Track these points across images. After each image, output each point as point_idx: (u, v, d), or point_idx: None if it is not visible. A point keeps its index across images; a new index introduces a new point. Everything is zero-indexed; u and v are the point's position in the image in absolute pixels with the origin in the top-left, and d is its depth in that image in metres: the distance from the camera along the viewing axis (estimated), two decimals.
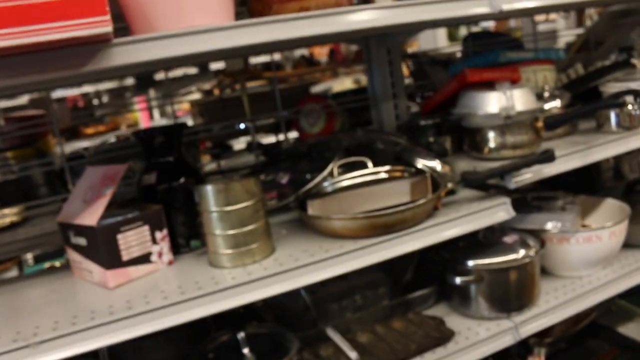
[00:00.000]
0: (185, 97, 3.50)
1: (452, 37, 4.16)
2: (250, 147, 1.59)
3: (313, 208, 1.23)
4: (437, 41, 3.92)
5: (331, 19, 1.08)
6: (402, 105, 1.71)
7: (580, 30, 3.99)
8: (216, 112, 1.74)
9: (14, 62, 0.87)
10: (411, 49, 3.67)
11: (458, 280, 1.35)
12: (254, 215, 1.13)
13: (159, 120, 3.67)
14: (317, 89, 2.34)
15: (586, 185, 1.83)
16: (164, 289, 1.09)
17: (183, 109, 3.35)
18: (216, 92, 3.31)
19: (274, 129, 1.69)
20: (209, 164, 1.82)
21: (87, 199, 1.20)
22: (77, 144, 2.90)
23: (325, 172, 1.31)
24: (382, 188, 1.27)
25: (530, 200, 1.60)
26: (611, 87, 1.65)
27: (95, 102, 3.79)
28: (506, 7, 1.24)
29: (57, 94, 3.40)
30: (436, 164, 1.33)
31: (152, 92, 3.50)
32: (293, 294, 1.36)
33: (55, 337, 0.98)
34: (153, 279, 1.16)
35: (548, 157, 1.32)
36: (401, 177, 1.29)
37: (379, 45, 1.64)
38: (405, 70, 2.04)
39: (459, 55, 2.10)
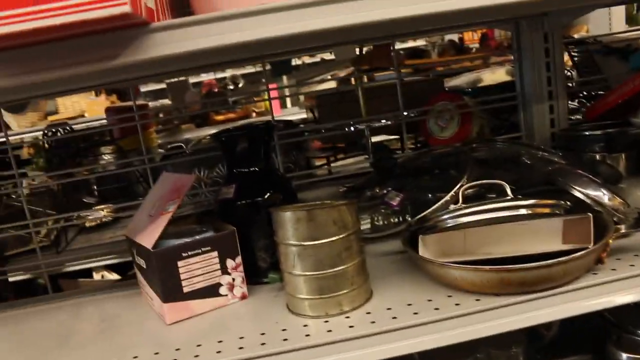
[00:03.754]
0: (320, 86, 3.29)
1: (632, 20, 3.50)
2: (365, 150, 1.32)
3: (425, 245, 0.94)
4: (613, 24, 3.31)
5: None
6: (561, 108, 1.32)
7: None
8: (330, 109, 1.48)
9: (25, 54, 0.67)
10: (578, 34, 3.13)
11: (625, 357, 0.98)
12: (344, 253, 0.86)
13: (290, 110, 3.50)
14: (459, 81, 1.99)
15: None
16: (228, 335, 0.86)
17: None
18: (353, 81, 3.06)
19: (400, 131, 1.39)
20: (320, 168, 1.58)
21: (153, 213, 1.01)
22: (206, 130, 2.81)
23: (447, 197, 1.01)
24: (524, 226, 0.94)
25: None
26: None
27: (231, 87, 3.73)
28: None
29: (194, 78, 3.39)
30: (603, 195, 0.96)
31: (284, 79, 3.33)
32: None
33: None
34: (219, 317, 0.94)
35: None
36: (551, 213, 0.94)
37: (533, 28, 1.27)
38: (568, 62, 1.63)
39: None
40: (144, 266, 0.99)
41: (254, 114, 3.25)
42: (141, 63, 0.71)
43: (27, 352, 0.94)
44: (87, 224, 1.49)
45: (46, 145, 1.62)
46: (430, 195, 1.09)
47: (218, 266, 0.96)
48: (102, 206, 1.48)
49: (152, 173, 1.34)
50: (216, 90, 3.51)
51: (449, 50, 3.46)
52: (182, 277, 0.93)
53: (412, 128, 1.50)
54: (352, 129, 1.35)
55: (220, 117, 2.99)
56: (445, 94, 1.49)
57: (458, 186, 1.01)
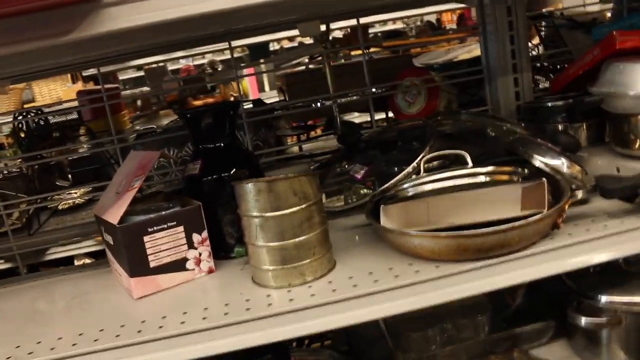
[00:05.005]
0: (297, 69, 3.30)
1: None
2: (333, 129, 1.33)
3: (387, 216, 0.95)
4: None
5: None
6: (525, 81, 1.34)
7: None
8: (299, 87, 1.49)
9: None
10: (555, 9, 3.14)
11: (584, 321, 1.00)
12: (306, 224, 0.88)
13: (268, 93, 3.50)
14: (431, 60, 2.00)
15: None
16: (193, 307, 0.88)
17: None
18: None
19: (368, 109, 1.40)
20: (292, 147, 1.59)
21: (120, 190, 1.02)
22: None
23: (409, 168, 1.02)
24: (483, 194, 0.96)
25: None
26: None
27: (210, 72, 3.72)
28: None
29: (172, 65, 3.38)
30: (561, 163, 0.98)
31: (262, 66, 3.33)
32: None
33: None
34: (186, 291, 0.96)
35: None
36: (509, 180, 0.96)
37: (497, 1, 1.28)
38: (535, 37, 1.65)
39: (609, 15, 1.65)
40: (112, 242, 0.99)
41: (232, 98, 3.24)
42: (96, 37, 0.72)
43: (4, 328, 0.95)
44: (60, 207, 1.49)
45: (19, 130, 1.61)
46: (395, 168, 1.11)
47: (184, 241, 0.97)
48: (75, 189, 1.48)
49: (122, 154, 1.35)
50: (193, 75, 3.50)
51: (427, 31, 3.47)
52: (149, 252, 0.94)
53: (382, 106, 1.51)
54: (319, 104, 1.35)
55: (198, 102, 2.98)
56: (412, 69, 1.50)
57: (420, 157, 1.02)
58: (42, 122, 1.61)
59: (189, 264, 0.98)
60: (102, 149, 1.47)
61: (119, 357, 0.80)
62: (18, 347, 0.86)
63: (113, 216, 0.94)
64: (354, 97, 1.36)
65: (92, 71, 3.49)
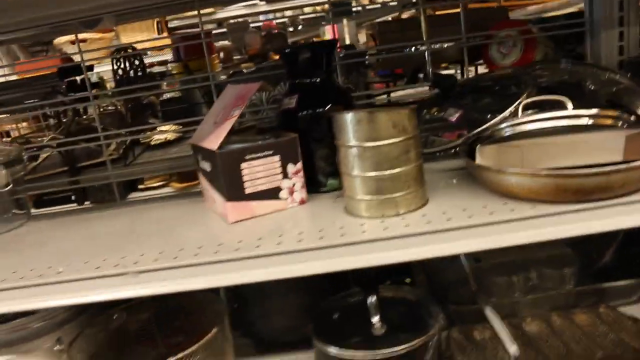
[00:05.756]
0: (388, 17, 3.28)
1: None
2: (425, 77, 1.32)
3: (483, 156, 0.95)
4: None
5: None
6: (631, 35, 1.28)
7: None
8: (390, 36, 1.47)
9: None
10: None
11: None
12: (402, 157, 0.89)
13: None
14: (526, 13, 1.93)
15: None
16: (288, 231, 0.91)
17: None
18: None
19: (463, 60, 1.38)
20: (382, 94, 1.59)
21: (218, 120, 1.05)
22: None
23: (507, 112, 1.01)
24: (584, 139, 0.94)
25: None
26: None
27: (291, 29, 3.73)
28: None
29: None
30: None
31: (344, 22, 3.32)
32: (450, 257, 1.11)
33: (154, 269, 0.86)
34: (279, 219, 0.99)
35: None
36: (613, 125, 0.93)
37: None
38: None
39: None
40: (209, 169, 1.04)
41: None
42: None
43: (99, 244, 1.02)
44: (152, 142, 1.56)
45: (116, 70, 1.69)
46: (489, 115, 1.09)
47: (280, 170, 1.00)
48: (167, 126, 1.55)
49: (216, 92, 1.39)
50: (275, 31, 3.53)
51: None
52: (245, 178, 0.98)
53: (475, 58, 1.48)
54: (412, 50, 1.34)
55: (278, 56, 3.02)
56: (508, 21, 1.46)
57: (518, 102, 1.01)
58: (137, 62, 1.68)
59: (282, 194, 1.02)
60: (196, 86, 1.52)
61: (218, 271, 0.85)
62: (124, 257, 0.92)
63: (212, 143, 0.98)
64: (447, 45, 1.34)
65: (176, 23, 3.59)
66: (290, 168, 1.01)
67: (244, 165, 0.97)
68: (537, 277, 1.11)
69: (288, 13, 3.92)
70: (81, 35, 1.45)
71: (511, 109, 1.01)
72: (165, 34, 3.17)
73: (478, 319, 1.05)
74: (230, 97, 1.08)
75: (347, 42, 3.28)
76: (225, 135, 0.97)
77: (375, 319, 0.96)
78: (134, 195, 1.55)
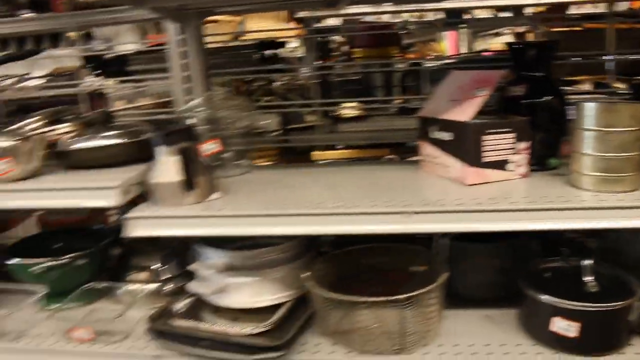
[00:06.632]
0: (495, 39, 3.44)
1: None
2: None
3: None
4: None
5: None
6: None
7: None
8: (566, 45, 1.64)
9: None
10: None
11: None
12: (634, 144, 1.07)
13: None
14: None
15: None
16: (515, 195, 1.11)
17: (492, 47, 3.30)
18: (529, 36, 3.17)
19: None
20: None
21: (456, 98, 1.25)
22: None
23: None
24: None
25: None
26: None
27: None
28: None
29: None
30: None
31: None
32: (632, 241, 1.29)
33: (427, 211, 1.07)
34: (506, 186, 1.18)
35: None
36: None
37: None
38: None
39: None
40: (448, 138, 1.23)
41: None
42: None
43: (351, 191, 1.23)
44: (343, 115, 1.78)
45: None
46: None
47: (512, 146, 1.20)
48: (353, 103, 1.77)
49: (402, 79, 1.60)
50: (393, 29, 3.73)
51: None
52: (484, 148, 1.18)
53: None
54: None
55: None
56: None
57: None
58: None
59: (510, 166, 1.21)
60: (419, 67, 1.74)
61: (462, 219, 1.06)
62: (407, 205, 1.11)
63: (461, 116, 1.18)
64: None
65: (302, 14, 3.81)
66: (520, 145, 1.20)
67: (485, 137, 1.17)
68: None
69: (405, 15, 4.11)
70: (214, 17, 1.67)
71: None
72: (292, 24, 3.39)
73: None
74: (464, 81, 1.28)
75: (463, 50, 3.47)
76: (476, 109, 1.16)
77: (590, 278, 1.14)
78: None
